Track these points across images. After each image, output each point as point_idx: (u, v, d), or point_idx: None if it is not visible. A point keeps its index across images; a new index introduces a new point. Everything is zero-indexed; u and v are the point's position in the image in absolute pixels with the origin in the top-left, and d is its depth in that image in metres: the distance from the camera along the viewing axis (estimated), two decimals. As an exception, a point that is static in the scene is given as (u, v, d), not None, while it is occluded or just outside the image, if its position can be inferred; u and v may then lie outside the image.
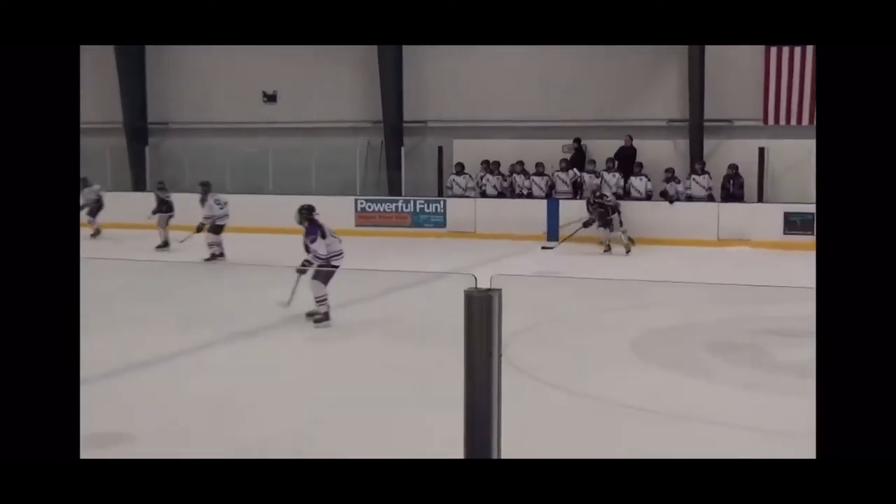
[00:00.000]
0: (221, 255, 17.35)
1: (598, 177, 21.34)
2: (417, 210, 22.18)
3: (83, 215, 21.17)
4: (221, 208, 17.47)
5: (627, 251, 18.85)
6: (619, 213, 19.31)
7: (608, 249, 18.95)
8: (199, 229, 17.44)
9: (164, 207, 19.97)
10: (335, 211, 22.16)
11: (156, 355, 10.12)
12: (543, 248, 19.66)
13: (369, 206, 22.58)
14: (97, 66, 24.83)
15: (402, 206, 22.36)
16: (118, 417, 8.10)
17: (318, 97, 24.07)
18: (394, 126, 23.69)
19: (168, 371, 9.77)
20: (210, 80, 24.88)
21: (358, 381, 9.25)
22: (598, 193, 19.67)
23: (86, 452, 6.95)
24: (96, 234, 21.33)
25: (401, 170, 23.40)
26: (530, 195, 21.60)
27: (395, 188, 23.39)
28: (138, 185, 25.21)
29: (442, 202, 22.09)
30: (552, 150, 22.07)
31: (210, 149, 24.52)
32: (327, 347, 10.80)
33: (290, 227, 21.37)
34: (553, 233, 20.44)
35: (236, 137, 24.63)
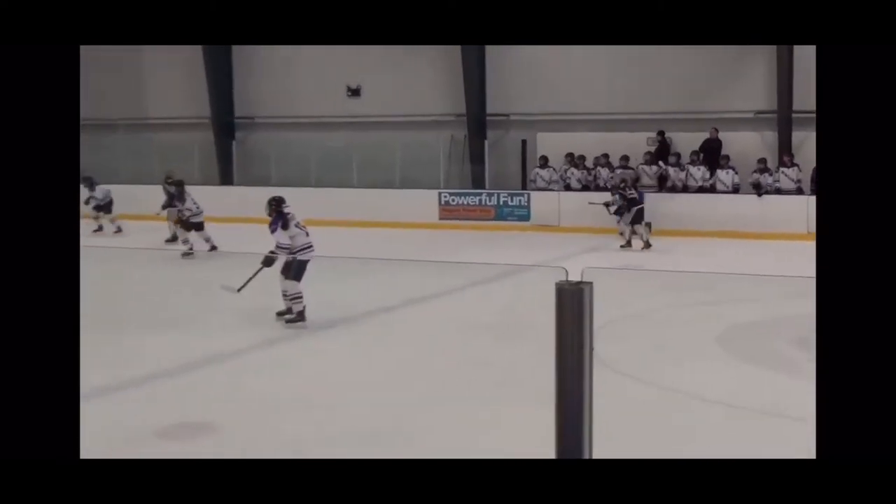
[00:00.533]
0: (191, 251, 17.56)
1: (682, 170, 21.11)
2: (501, 203, 22.14)
3: (91, 211, 21.55)
4: (198, 206, 17.76)
5: (626, 244, 18.69)
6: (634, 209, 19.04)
7: (629, 244, 18.69)
8: (179, 223, 17.60)
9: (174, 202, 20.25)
10: (419, 204, 22.34)
11: (234, 348, 10.26)
12: (590, 203, 19.76)
13: (453, 200, 22.60)
14: (185, 62, 25.27)
15: (485, 200, 22.35)
16: (203, 410, 8.24)
17: (402, 91, 24.15)
18: (477, 119, 23.67)
19: (245, 365, 9.89)
20: (295, 75, 25.10)
21: (441, 377, 9.26)
22: (622, 185, 19.48)
23: (166, 444, 7.08)
24: (113, 230, 21.55)
25: (484, 163, 23.37)
26: (614, 188, 21.43)
27: (478, 182, 23.36)
28: (226, 179, 25.58)
29: (526, 195, 22.02)
30: (636, 143, 21.86)
31: (295, 143, 24.75)
32: (408, 342, 10.83)
33: (373, 220, 21.68)
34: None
35: (321, 131, 24.81)
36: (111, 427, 7.55)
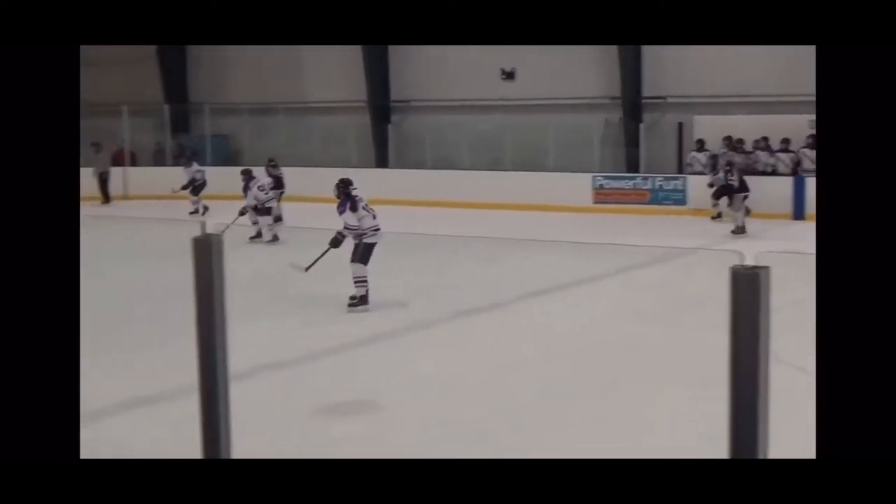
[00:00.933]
0: (271, 236, 17.68)
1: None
2: (656, 187, 21.85)
3: (187, 193, 22.20)
4: (266, 193, 17.88)
5: (736, 230, 18.31)
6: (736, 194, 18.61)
7: (718, 217, 19.21)
8: (243, 212, 17.68)
9: (275, 184, 20.54)
10: (572, 188, 22.23)
11: (386, 330, 10.38)
12: (709, 185, 19.73)
13: (607, 183, 22.41)
14: (343, 47, 25.65)
15: (640, 184, 22.09)
16: (363, 388, 8.40)
17: (556, 74, 24.00)
18: (632, 102, 23.39)
19: (402, 345, 10.01)
20: (450, 59, 25.20)
21: (594, 361, 9.22)
22: (727, 167, 19.00)
23: (330, 421, 7.23)
24: (201, 211, 21.89)
25: (639, 146, 23.08)
26: (774, 172, 20.89)
27: (633, 165, 23.11)
28: (381, 162, 25.94)
29: (682, 179, 21.67)
30: (798, 126, 21.21)
31: (449, 126, 24.93)
32: (562, 325, 10.81)
33: (526, 203, 21.68)
34: (799, 211, 19.75)
35: (474, 114, 24.91)
36: (282, 402, 7.79)
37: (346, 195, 11.46)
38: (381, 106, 26.44)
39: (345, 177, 11.85)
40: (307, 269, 11.68)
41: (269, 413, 7.23)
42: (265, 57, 26.71)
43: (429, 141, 25.28)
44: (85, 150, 25.69)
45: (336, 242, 11.45)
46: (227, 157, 26.81)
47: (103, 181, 25.24)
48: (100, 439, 6.98)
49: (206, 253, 2.77)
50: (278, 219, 20.01)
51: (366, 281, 11.31)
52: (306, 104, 27.19)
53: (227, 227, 16.54)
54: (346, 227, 11.38)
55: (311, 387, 8.39)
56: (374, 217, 11.51)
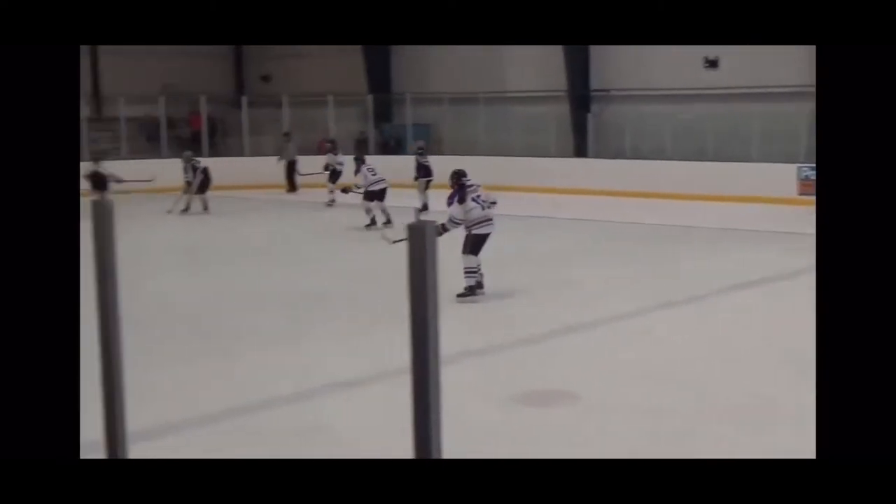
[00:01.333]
0: (374, 222, 17.72)
1: None
2: (866, 178, 20.99)
3: (324, 180, 22.77)
4: (374, 175, 17.94)
5: None
6: None
7: None
8: (346, 190, 18.55)
9: (423, 172, 20.69)
10: (777, 178, 21.60)
11: (587, 320, 10.37)
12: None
13: (813, 174, 21.66)
14: (543, 35, 25.70)
15: (848, 174, 21.27)
16: (565, 376, 8.45)
17: (762, 62, 23.28)
18: (842, 89, 22.50)
19: (598, 336, 9.95)
20: (651, 47, 24.86)
21: (798, 356, 8.97)
22: None
23: (528, 410, 7.29)
24: (331, 203, 22.17)
25: (849, 136, 22.20)
26: None
27: (841, 156, 22.25)
28: (580, 151, 25.84)
29: (893, 170, 20.75)
30: None
31: (649, 115, 24.62)
32: (767, 316, 10.56)
33: (728, 193, 21.23)
34: None
35: (676, 104, 24.51)
36: (479, 390, 7.90)
37: (459, 186, 11.30)
38: (580, 95, 26.33)
39: (459, 168, 11.69)
40: (393, 242, 11.57)
41: (469, 401, 7.35)
42: (466, 48, 27.00)
43: (629, 130, 25.03)
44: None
45: (437, 232, 11.34)
46: (428, 146, 27.28)
47: (290, 170, 26.04)
48: (309, 414, 7.31)
49: (421, 240, 2.84)
50: (424, 207, 20.27)
51: (475, 272, 11.13)
52: (506, 93, 27.37)
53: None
54: (450, 220, 11.18)
55: (510, 375, 8.47)
56: (485, 208, 11.24)
